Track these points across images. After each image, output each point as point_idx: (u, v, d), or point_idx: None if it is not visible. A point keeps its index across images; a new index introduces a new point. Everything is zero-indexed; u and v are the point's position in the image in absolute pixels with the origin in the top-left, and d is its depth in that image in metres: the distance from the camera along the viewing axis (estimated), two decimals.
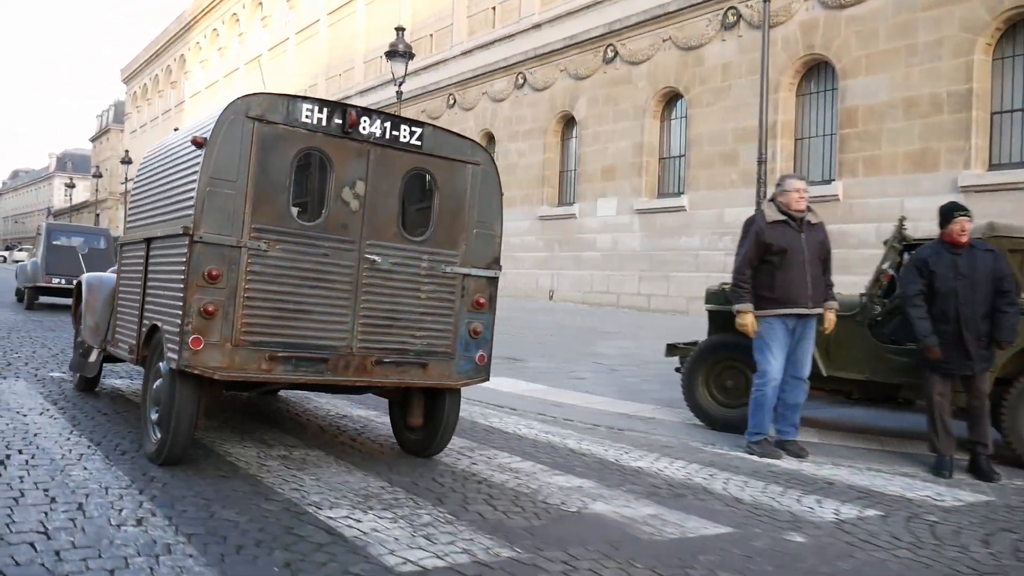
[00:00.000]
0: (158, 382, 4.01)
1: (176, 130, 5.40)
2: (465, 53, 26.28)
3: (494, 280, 4.39)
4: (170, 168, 4.34)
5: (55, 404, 5.17)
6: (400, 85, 17.67)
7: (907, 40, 14.53)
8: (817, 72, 16.50)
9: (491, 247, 4.38)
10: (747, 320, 5.08)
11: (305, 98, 3.96)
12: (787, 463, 4.89)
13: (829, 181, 15.88)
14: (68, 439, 4.18)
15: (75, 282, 6.38)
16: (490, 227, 4.38)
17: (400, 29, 18.04)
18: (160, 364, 3.99)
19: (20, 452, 3.82)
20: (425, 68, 28.40)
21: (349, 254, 3.96)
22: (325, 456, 4.15)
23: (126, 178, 42.45)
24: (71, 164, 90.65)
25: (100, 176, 47.37)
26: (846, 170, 15.47)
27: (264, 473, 3.69)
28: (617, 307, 19.89)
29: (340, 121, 3.95)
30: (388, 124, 4.10)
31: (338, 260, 3.94)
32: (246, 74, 44.20)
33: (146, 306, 4.37)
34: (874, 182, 14.98)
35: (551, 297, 22.06)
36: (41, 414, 4.82)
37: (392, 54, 17.30)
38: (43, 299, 14.88)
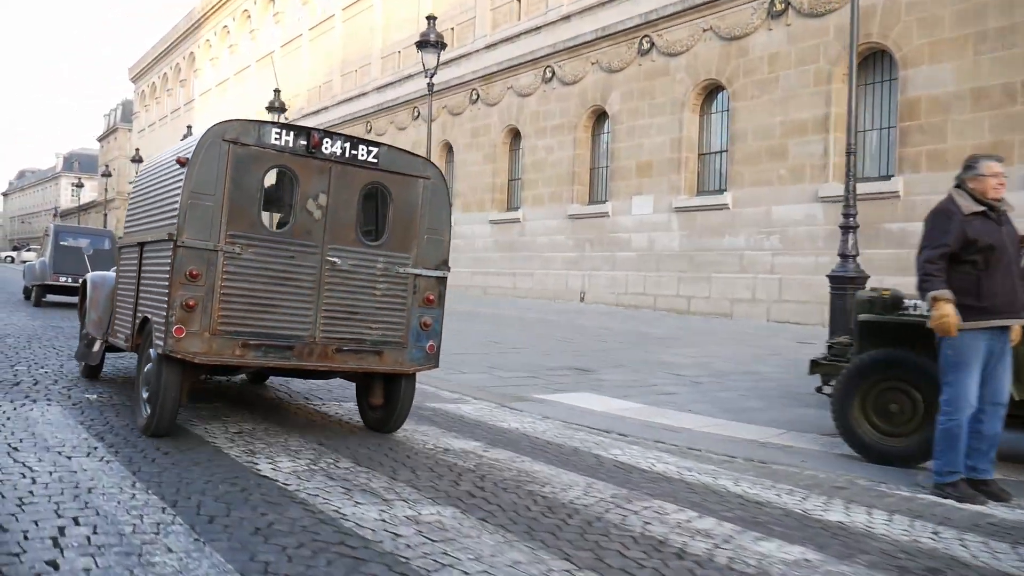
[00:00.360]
0: (148, 366, 4.53)
1: (189, 128, 6.37)
2: (489, 47, 25.36)
3: (443, 280, 4.93)
4: (159, 183, 4.88)
5: (102, 440, 4.26)
6: (431, 76, 16.77)
7: (975, 27, 13.61)
8: (874, 62, 15.57)
9: (440, 251, 4.92)
10: (948, 310, 4.08)
11: (274, 123, 4.50)
12: (998, 510, 4.00)
13: (888, 177, 14.98)
14: (133, 496, 3.22)
15: (80, 280, 7.00)
16: (440, 233, 4.93)
17: (432, 18, 17.14)
18: (151, 351, 4.49)
19: (77, 522, 2.85)
20: (446, 62, 27.43)
21: (312, 256, 4.50)
22: (463, 516, 3.23)
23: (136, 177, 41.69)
24: (78, 164, 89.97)
25: (109, 175, 46.57)
26: (907, 165, 14.54)
27: (404, 549, 2.77)
28: (654, 309, 19.00)
29: (305, 142, 4.48)
30: (348, 144, 4.63)
31: (303, 262, 4.47)
32: (258, 71, 43.35)
33: (139, 301, 4.90)
34: (939, 178, 14.00)
35: (582, 299, 21.17)
36: (88, 455, 3.91)
37: (423, 44, 16.40)
38: (50, 297, 15.15)
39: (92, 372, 6.39)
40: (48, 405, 5.18)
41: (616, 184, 20.48)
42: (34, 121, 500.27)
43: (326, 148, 4.51)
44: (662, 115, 19.21)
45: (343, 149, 4.58)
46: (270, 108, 24.53)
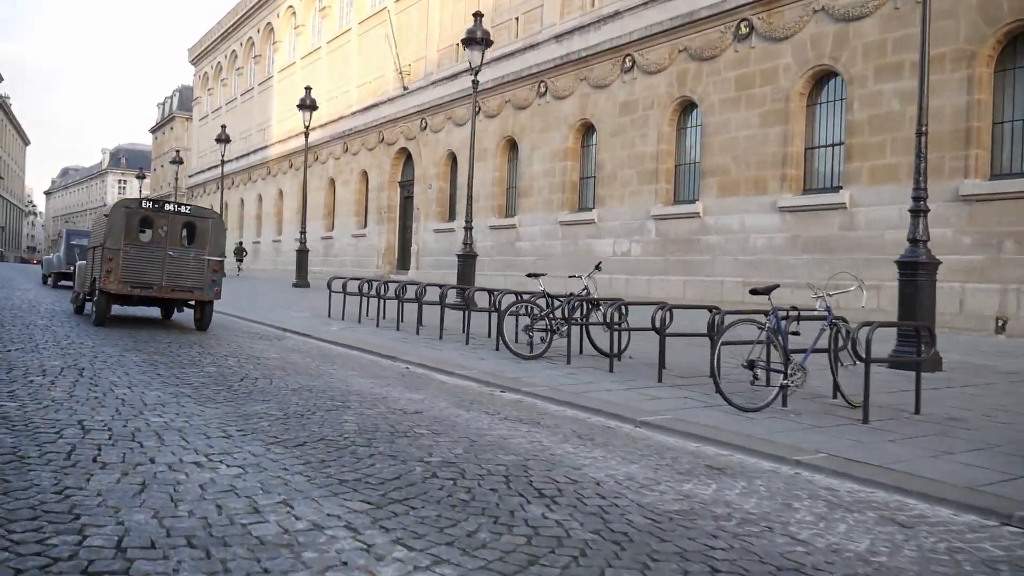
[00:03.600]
0: (95, 297, 12.11)
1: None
2: None
3: (221, 261, 12.44)
4: (99, 222, 12.93)
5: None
6: None
7: None
8: None
9: (220, 250, 12.45)
10: None
11: (144, 198, 12.62)
12: None
13: None
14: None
15: (74, 266, 17.22)
16: (219, 240, 12.45)
17: None
18: (96, 291, 12.07)
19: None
20: (641, 5, 19.62)
21: (161, 251, 11.87)
22: None
23: (222, 159, 34.17)
24: (125, 160, 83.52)
25: (181, 162, 39.58)
26: None
27: None
28: None
29: (158, 206, 12.23)
30: (177, 205, 12.35)
31: (156, 253, 11.84)
32: (359, 37, 35.81)
33: (92, 271, 12.71)
34: None
35: (1001, 328, 13.11)
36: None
37: None
38: (63, 282, 24.93)
39: (78, 310, 14.38)
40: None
41: None
42: (77, 117, 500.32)
43: (167, 207, 12.16)
44: None
45: (175, 207, 12.21)
46: (470, 41, 16.74)
